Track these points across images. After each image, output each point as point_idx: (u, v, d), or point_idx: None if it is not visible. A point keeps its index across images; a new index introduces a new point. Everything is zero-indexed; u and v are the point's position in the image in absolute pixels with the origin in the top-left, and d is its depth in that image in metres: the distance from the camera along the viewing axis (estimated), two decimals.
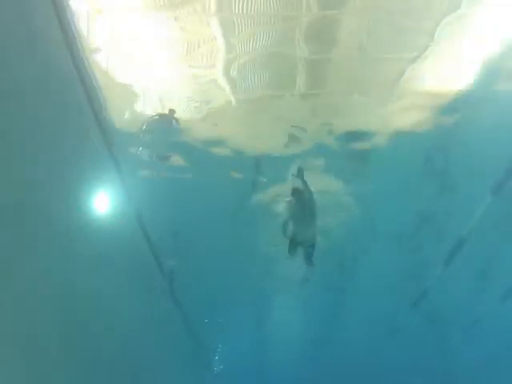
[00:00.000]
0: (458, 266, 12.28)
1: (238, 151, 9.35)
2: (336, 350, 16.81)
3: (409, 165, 9.40)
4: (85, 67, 6.57)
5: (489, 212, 10.42)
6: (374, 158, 9.40)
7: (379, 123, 8.60)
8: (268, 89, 7.91)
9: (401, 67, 7.39)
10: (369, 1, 6.42)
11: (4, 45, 5.19)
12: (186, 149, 9.02)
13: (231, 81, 7.59)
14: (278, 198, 10.75)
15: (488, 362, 15.30)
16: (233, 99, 7.98)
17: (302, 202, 8.69)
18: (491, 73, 7.37)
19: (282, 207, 10.71)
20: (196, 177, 9.72)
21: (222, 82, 7.60)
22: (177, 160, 9.28)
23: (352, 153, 9.37)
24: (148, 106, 8.09)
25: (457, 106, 8.07)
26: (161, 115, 8.03)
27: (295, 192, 8.62)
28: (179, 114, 8.11)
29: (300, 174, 8.64)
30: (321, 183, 9.78)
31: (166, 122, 8.11)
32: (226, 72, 7.43)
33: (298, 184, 8.65)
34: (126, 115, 8.15)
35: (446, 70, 7.48)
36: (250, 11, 6.36)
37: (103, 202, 8.32)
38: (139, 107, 8.07)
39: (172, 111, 7.94)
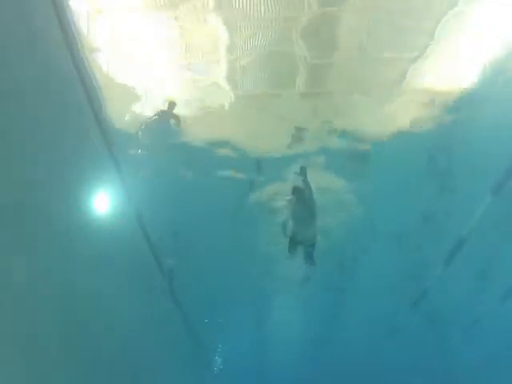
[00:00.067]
0: (457, 266, 12.28)
1: (238, 151, 9.35)
2: (336, 350, 16.81)
3: (409, 165, 9.40)
4: (85, 67, 6.58)
5: (489, 212, 10.41)
6: (374, 158, 9.40)
7: (379, 123, 8.60)
8: (268, 88, 7.91)
9: (401, 66, 7.39)
10: (369, 0, 6.42)
11: (4, 45, 5.19)
12: (186, 148, 9.02)
13: (231, 80, 7.59)
14: (278, 197, 10.74)
15: (488, 362, 15.30)
16: (233, 99, 7.98)
17: (303, 201, 8.68)
18: (492, 72, 7.36)
19: (282, 207, 10.71)
20: (196, 177, 9.72)
21: (223, 81, 7.60)
22: (177, 160, 9.27)
23: (352, 152, 9.37)
24: (148, 106, 8.08)
25: (457, 105, 8.07)
26: (161, 112, 8.01)
27: (296, 191, 8.62)
28: (179, 113, 8.10)
29: (303, 173, 8.64)
30: (321, 183, 9.76)
31: (165, 121, 8.10)
32: (227, 72, 7.43)
33: (299, 183, 8.65)
34: (126, 115, 8.15)
35: (447, 69, 7.48)
36: (250, 10, 6.36)
37: (103, 202, 8.32)
38: (139, 107, 8.07)
39: (172, 104, 7.91)
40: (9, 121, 5.55)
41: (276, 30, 6.76)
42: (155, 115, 8.08)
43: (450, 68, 7.45)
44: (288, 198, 9.02)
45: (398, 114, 8.35)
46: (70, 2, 5.96)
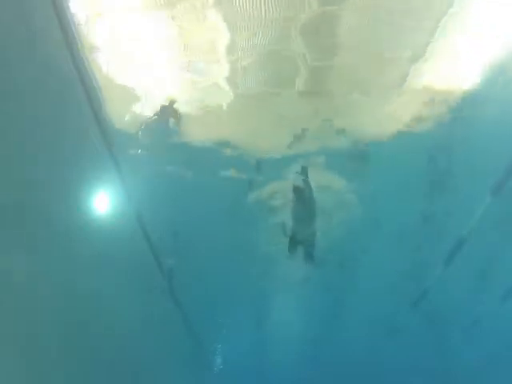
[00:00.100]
0: (458, 266, 12.28)
1: (238, 151, 9.35)
2: (336, 350, 16.80)
3: (409, 165, 9.40)
4: (85, 67, 6.57)
5: (489, 212, 10.41)
6: (374, 158, 9.40)
7: (379, 122, 8.60)
8: (268, 88, 7.90)
9: (402, 66, 7.39)
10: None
11: (4, 45, 5.19)
12: (186, 148, 9.02)
13: (231, 80, 7.59)
14: (278, 197, 10.75)
15: (488, 362, 15.31)
16: (233, 98, 7.97)
17: (303, 200, 8.70)
18: (492, 72, 7.36)
19: (282, 206, 10.72)
20: (196, 177, 9.71)
21: (223, 81, 7.60)
22: (177, 160, 9.27)
23: (352, 152, 9.36)
24: (148, 106, 8.08)
25: (457, 105, 8.07)
26: (161, 112, 8.00)
27: (296, 190, 8.63)
28: (179, 113, 8.09)
29: (304, 172, 8.64)
30: (321, 182, 9.77)
31: (165, 121, 8.09)
32: (227, 71, 7.43)
33: (299, 182, 8.66)
34: (126, 115, 8.15)
35: (447, 69, 7.48)
36: (251, 10, 6.36)
37: (103, 202, 8.32)
38: (139, 107, 8.06)
39: (172, 104, 7.91)
40: (9, 121, 5.55)
41: (276, 30, 6.76)
42: (155, 115, 8.08)
43: (450, 68, 7.45)
44: (290, 199, 9.06)
45: (397, 113, 8.35)
46: (70, 3, 5.95)
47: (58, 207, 6.86)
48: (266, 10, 6.37)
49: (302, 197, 8.62)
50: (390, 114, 8.39)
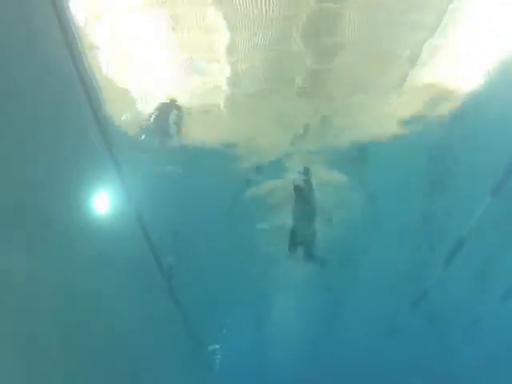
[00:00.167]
0: (458, 266, 12.29)
1: (238, 151, 9.35)
2: (336, 350, 16.82)
3: (409, 165, 9.40)
4: (85, 67, 6.57)
5: (489, 212, 10.42)
6: (374, 158, 9.40)
7: (379, 122, 8.60)
8: (268, 87, 7.90)
9: (402, 66, 7.39)
10: None
11: (4, 45, 5.19)
12: (186, 148, 9.02)
13: (231, 79, 7.59)
14: (278, 196, 10.75)
15: (488, 362, 15.32)
16: (232, 98, 7.97)
17: (303, 199, 8.71)
18: (493, 72, 7.36)
19: (282, 206, 10.72)
20: (196, 177, 9.71)
21: (222, 81, 7.60)
22: (177, 160, 9.27)
23: (352, 152, 9.37)
24: (148, 106, 8.08)
25: (457, 105, 8.07)
26: (161, 112, 7.99)
27: (297, 189, 8.63)
28: (179, 113, 8.10)
29: (306, 173, 8.64)
30: (321, 182, 9.77)
31: (165, 120, 8.09)
32: (227, 71, 7.43)
33: (301, 182, 8.66)
34: (126, 115, 8.15)
35: (447, 68, 7.47)
36: (251, 9, 6.36)
37: (103, 202, 8.32)
38: (139, 107, 8.06)
39: (172, 104, 7.91)
40: (9, 121, 5.55)
41: (276, 29, 6.76)
42: (155, 115, 8.08)
43: (450, 68, 7.45)
44: (290, 197, 9.06)
45: (397, 113, 8.35)
46: (70, 3, 5.95)
47: (58, 207, 6.86)
48: (266, 10, 6.37)
49: (303, 196, 8.63)
50: (389, 114, 8.39)
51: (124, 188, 8.67)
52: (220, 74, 7.47)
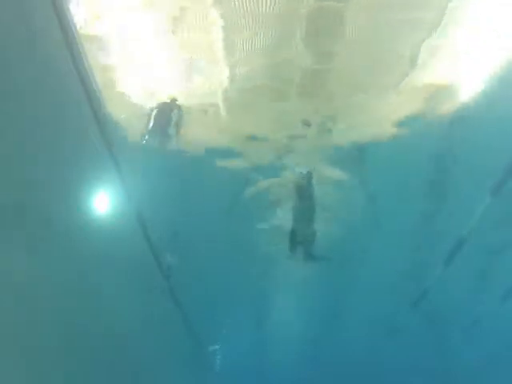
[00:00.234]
0: (458, 266, 12.29)
1: (238, 151, 9.36)
2: (336, 350, 16.83)
3: (409, 165, 9.40)
4: (85, 67, 6.57)
5: (489, 212, 10.41)
6: (374, 158, 9.41)
7: (378, 122, 8.60)
8: (267, 87, 7.90)
9: (402, 66, 7.39)
10: None
11: (4, 45, 5.19)
12: (186, 148, 9.02)
13: (231, 79, 7.59)
14: (278, 197, 10.75)
15: (488, 362, 15.33)
16: (232, 98, 7.98)
17: (304, 199, 8.73)
18: (493, 71, 7.36)
19: (282, 205, 10.73)
20: (196, 177, 9.72)
21: (222, 80, 7.61)
22: (177, 160, 9.28)
23: (351, 152, 9.37)
24: (148, 106, 8.08)
25: (457, 105, 8.07)
26: (161, 111, 7.99)
27: (298, 189, 8.65)
28: (179, 113, 8.10)
29: (308, 177, 8.64)
30: (321, 182, 9.78)
31: (165, 120, 8.08)
32: (226, 71, 7.43)
33: (302, 182, 8.68)
34: (126, 115, 8.15)
35: (447, 69, 7.47)
36: (251, 9, 6.36)
37: (103, 202, 8.32)
38: (139, 107, 8.06)
39: (172, 103, 7.90)
40: (9, 121, 5.55)
41: (276, 29, 6.76)
42: (155, 115, 8.07)
43: (449, 68, 7.45)
44: (290, 197, 9.07)
45: (397, 113, 8.35)
46: (70, 3, 5.95)
47: (58, 207, 6.86)
48: (265, 9, 6.37)
49: (304, 196, 8.65)
50: (389, 114, 8.39)
51: (124, 188, 8.67)
52: (220, 73, 7.47)
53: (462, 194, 10.16)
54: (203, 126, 8.60)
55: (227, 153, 9.32)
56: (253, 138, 9.08)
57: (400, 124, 8.46)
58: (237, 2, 6.26)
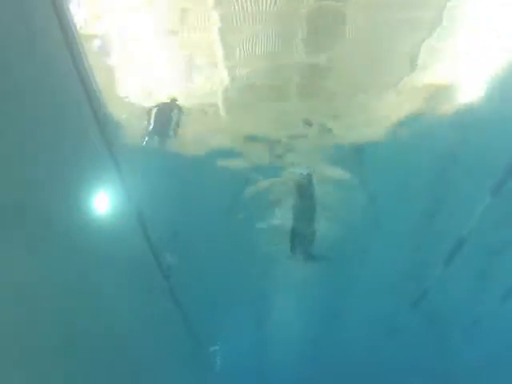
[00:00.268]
0: (458, 266, 12.29)
1: (237, 151, 9.35)
2: (336, 350, 16.83)
3: (409, 165, 9.40)
4: (85, 67, 6.57)
5: (489, 212, 10.41)
6: (374, 158, 9.40)
7: (378, 122, 8.59)
8: (267, 87, 7.91)
9: (402, 66, 7.39)
10: None
11: (4, 45, 5.19)
12: (186, 148, 9.02)
13: (231, 79, 7.59)
14: (278, 197, 10.75)
15: (488, 362, 15.33)
16: (232, 98, 7.98)
17: (304, 199, 8.73)
18: (492, 71, 7.36)
19: (282, 205, 10.72)
20: (196, 176, 9.72)
21: (222, 80, 7.61)
22: (176, 160, 9.28)
23: (351, 152, 9.37)
24: (148, 106, 8.07)
25: (457, 105, 8.07)
26: (161, 112, 7.99)
27: (299, 189, 8.66)
28: (179, 113, 8.10)
29: (309, 179, 8.65)
30: (320, 182, 9.78)
31: (165, 120, 8.08)
32: (226, 70, 7.43)
33: (302, 182, 8.68)
34: (126, 115, 8.15)
35: (447, 68, 7.47)
36: (250, 9, 6.36)
37: (103, 202, 8.32)
38: (139, 107, 8.06)
39: (172, 103, 7.90)
40: (9, 121, 5.55)
41: (275, 29, 6.76)
42: (155, 115, 8.08)
43: (450, 68, 7.45)
44: (290, 197, 9.07)
45: (397, 113, 8.35)
46: (70, 3, 5.96)
47: (58, 207, 6.86)
48: (265, 9, 6.38)
49: (304, 195, 8.65)
50: (389, 114, 8.38)
51: (124, 188, 8.67)
52: (220, 74, 7.47)
53: (461, 194, 10.16)
54: (203, 125, 8.59)
55: (227, 153, 9.31)
56: (253, 138, 9.08)
57: (400, 124, 8.46)
58: (237, 3, 6.27)
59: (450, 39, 6.89)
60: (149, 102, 7.97)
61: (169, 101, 7.88)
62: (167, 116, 8.03)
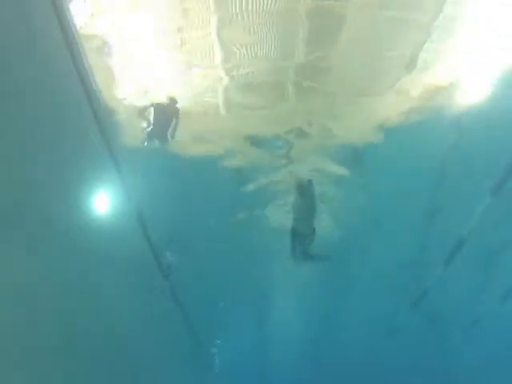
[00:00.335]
0: (458, 266, 12.29)
1: (237, 151, 9.36)
2: (336, 350, 16.83)
3: (409, 165, 9.40)
4: (85, 67, 6.57)
5: (489, 212, 10.42)
6: (374, 158, 9.41)
7: (377, 122, 8.60)
8: (268, 87, 7.91)
9: (401, 66, 7.39)
10: None
11: (4, 45, 5.19)
12: (186, 148, 9.02)
13: (231, 79, 7.60)
14: (277, 197, 10.76)
15: (488, 362, 15.31)
16: (231, 98, 7.99)
17: (304, 198, 8.71)
18: (492, 71, 7.36)
19: (282, 205, 10.72)
20: (196, 176, 9.72)
21: (222, 81, 7.61)
22: (176, 160, 9.28)
23: (351, 153, 9.37)
24: (148, 106, 8.07)
25: (457, 105, 8.07)
26: (161, 112, 7.98)
27: (299, 188, 8.64)
28: (179, 113, 8.09)
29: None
30: (320, 182, 9.78)
31: (165, 120, 8.08)
32: (226, 71, 7.44)
33: (302, 181, 8.67)
34: (126, 115, 8.15)
35: (446, 68, 7.47)
36: (250, 9, 6.37)
37: (103, 202, 8.31)
38: (139, 107, 8.05)
39: (172, 103, 7.88)
40: (9, 121, 5.55)
41: (274, 29, 6.77)
42: (155, 115, 8.07)
43: (449, 68, 7.45)
44: (290, 196, 9.07)
45: (396, 113, 8.35)
46: (70, 3, 5.96)
47: (58, 207, 6.86)
48: (264, 9, 6.38)
49: (304, 195, 8.64)
50: (389, 114, 8.39)
51: (124, 188, 8.67)
52: (219, 74, 7.47)
53: (462, 194, 10.16)
54: (203, 126, 8.60)
55: (227, 153, 9.32)
56: (253, 138, 9.09)
57: (400, 124, 8.46)
58: (237, 3, 6.27)
59: (449, 39, 6.89)
60: (148, 102, 7.97)
61: (168, 101, 7.87)
62: (166, 118, 8.03)
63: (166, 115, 7.98)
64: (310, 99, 8.12)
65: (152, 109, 7.94)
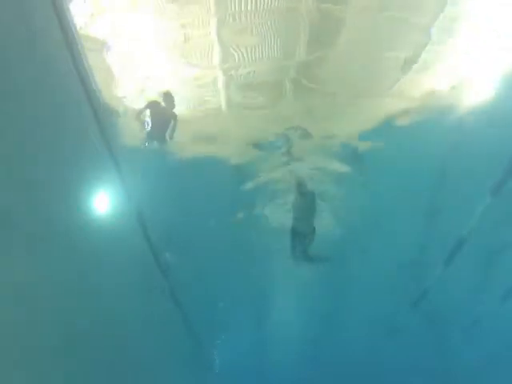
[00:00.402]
0: (458, 266, 12.29)
1: (237, 151, 9.36)
2: (336, 350, 16.82)
3: (409, 165, 9.40)
4: (85, 67, 6.57)
5: (489, 212, 10.42)
6: (374, 158, 9.41)
7: (377, 122, 8.60)
8: (267, 87, 7.92)
9: (401, 66, 7.39)
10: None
11: (4, 45, 5.18)
12: (186, 148, 9.02)
13: (231, 80, 7.60)
14: (277, 196, 10.76)
15: (488, 362, 15.31)
16: (231, 98, 7.99)
17: (304, 198, 8.73)
18: (491, 71, 7.36)
19: (282, 205, 10.73)
20: (196, 176, 9.72)
21: (221, 80, 7.62)
22: (176, 160, 9.28)
23: (351, 152, 9.37)
24: (147, 106, 8.07)
25: (456, 104, 8.07)
26: (160, 111, 7.98)
27: (299, 188, 8.66)
28: (178, 113, 8.10)
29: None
30: (320, 183, 9.78)
31: (165, 120, 8.08)
32: (225, 71, 7.44)
33: (302, 181, 8.69)
34: (126, 115, 8.15)
35: (446, 68, 7.47)
36: (250, 9, 6.37)
37: (103, 202, 8.31)
38: (139, 107, 8.06)
39: (172, 103, 7.86)
40: (9, 121, 5.55)
41: (275, 30, 6.77)
42: (152, 117, 8.08)
43: (449, 68, 7.45)
44: (290, 196, 9.08)
45: (396, 113, 8.36)
46: (70, 3, 5.96)
47: (58, 207, 6.85)
48: (264, 9, 6.39)
49: (304, 195, 8.65)
50: (388, 114, 8.39)
51: (124, 188, 8.67)
52: (220, 74, 7.48)
53: (461, 194, 10.16)
54: (203, 126, 8.60)
55: (227, 152, 9.32)
56: (253, 138, 9.09)
57: (400, 124, 8.46)
58: (237, 3, 6.27)
59: (449, 40, 6.89)
60: (145, 105, 7.98)
61: (165, 104, 7.88)
62: (163, 120, 8.03)
63: (164, 117, 7.99)
64: (309, 99, 8.13)
65: (149, 111, 7.95)
